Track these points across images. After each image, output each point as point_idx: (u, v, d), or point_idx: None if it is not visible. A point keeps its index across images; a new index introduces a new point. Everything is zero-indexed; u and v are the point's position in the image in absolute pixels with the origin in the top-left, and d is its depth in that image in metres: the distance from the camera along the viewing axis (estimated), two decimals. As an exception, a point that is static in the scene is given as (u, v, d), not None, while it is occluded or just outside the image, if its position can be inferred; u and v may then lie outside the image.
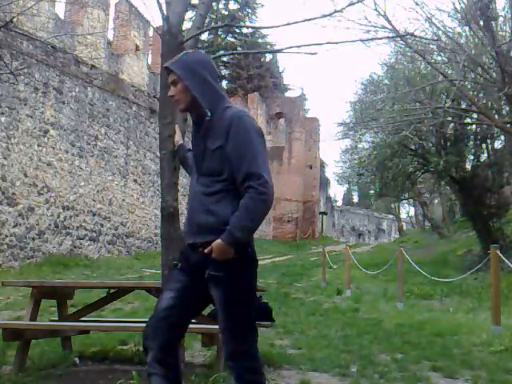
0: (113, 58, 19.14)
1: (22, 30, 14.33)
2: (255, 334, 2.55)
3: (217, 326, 4.24)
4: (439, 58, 12.16)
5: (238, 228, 2.41)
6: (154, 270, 13.95)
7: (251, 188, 2.41)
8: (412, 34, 8.21)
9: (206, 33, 36.14)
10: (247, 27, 36.32)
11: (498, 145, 15.65)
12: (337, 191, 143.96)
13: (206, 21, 5.95)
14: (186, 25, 4.47)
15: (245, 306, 2.52)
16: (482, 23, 10.40)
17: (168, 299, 2.56)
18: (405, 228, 44.54)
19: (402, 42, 11.31)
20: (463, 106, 12.92)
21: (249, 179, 2.41)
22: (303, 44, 3.52)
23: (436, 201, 31.60)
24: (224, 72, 39.60)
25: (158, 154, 3.61)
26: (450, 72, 11.93)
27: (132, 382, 3.32)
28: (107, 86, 18.40)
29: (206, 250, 2.43)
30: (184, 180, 22.76)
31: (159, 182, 3.66)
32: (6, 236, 14.25)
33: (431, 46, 11.42)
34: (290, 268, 16.46)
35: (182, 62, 2.59)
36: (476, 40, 10.89)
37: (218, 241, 2.40)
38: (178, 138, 3.29)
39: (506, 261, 7.27)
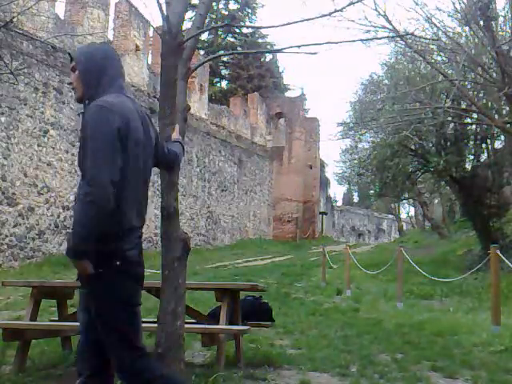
0: (113, 58, 19.14)
1: (22, 30, 14.31)
2: (131, 352, 2.33)
3: (217, 326, 4.25)
4: (439, 58, 12.16)
5: (72, 236, 2.17)
6: (154, 270, 13.92)
7: (80, 189, 2.23)
8: (412, 34, 8.20)
9: (206, 33, 36.15)
10: (247, 27, 36.43)
11: (498, 145, 15.65)
12: (337, 191, 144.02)
13: (206, 21, 5.95)
14: (186, 25, 4.47)
15: (113, 323, 2.29)
16: (482, 23, 10.39)
17: (81, 322, 2.43)
18: (405, 228, 44.56)
19: (402, 42, 11.31)
20: (463, 106, 12.92)
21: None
22: (303, 44, 3.53)
23: (436, 201, 31.58)
24: (224, 72, 39.60)
25: (158, 153, 3.60)
26: (450, 72, 11.93)
27: (132, 381, 3.31)
28: (107, 86, 18.39)
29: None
30: (184, 180, 22.78)
31: (159, 182, 3.66)
32: (6, 236, 14.24)
33: (431, 46, 11.42)
34: (290, 268, 16.45)
35: (83, 49, 2.50)
36: (476, 40, 10.88)
37: None
38: (174, 135, 3.08)
39: (506, 261, 7.26)
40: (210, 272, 14.21)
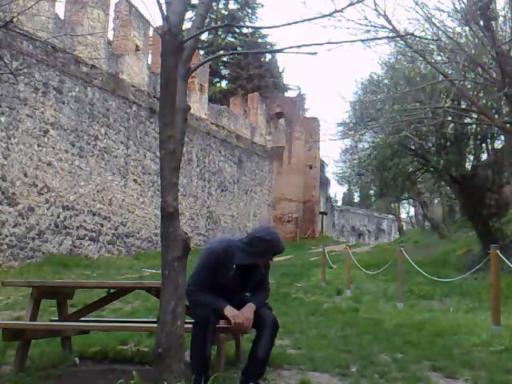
0: (113, 58, 19.14)
1: (22, 30, 14.33)
2: None
3: (217, 326, 4.25)
4: (439, 58, 12.14)
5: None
6: (154, 270, 13.95)
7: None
8: (412, 34, 8.21)
9: (206, 33, 36.15)
10: (247, 27, 36.32)
11: (497, 145, 15.65)
12: (337, 191, 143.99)
13: (206, 21, 5.95)
14: (186, 25, 4.47)
15: None
16: (482, 23, 10.38)
17: None
18: (405, 228, 44.55)
19: (402, 42, 11.30)
20: (463, 106, 12.90)
21: None
22: (303, 44, 3.52)
23: (436, 201, 31.59)
24: (224, 72, 39.60)
25: (158, 153, 3.61)
26: (449, 72, 11.91)
27: (132, 381, 3.31)
28: (107, 86, 18.40)
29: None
30: (184, 180, 22.78)
31: (159, 182, 3.66)
32: (6, 236, 14.25)
33: (431, 46, 11.40)
34: (290, 268, 16.45)
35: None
36: (476, 40, 10.87)
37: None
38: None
39: (506, 261, 7.25)
40: (210, 272, 14.16)
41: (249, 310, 3.65)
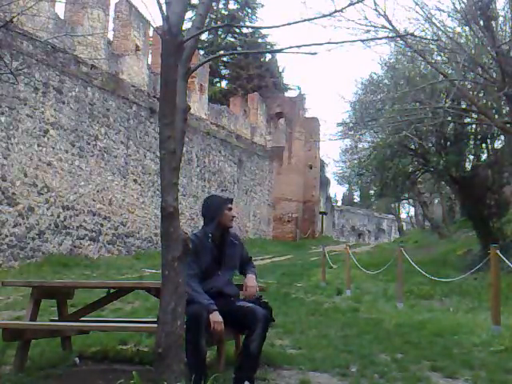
0: (113, 58, 19.14)
1: (22, 30, 14.33)
2: None
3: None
4: (439, 58, 12.15)
5: None
6: (154, 270, 13.95)
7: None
8: (412, 34, 8.20)
9: (206, 33, 36.14)
10: (247, 27, 36.28)
11: (497, 145, 15.64)
12: (337, 191, 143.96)
13: (206, 21, 5.94)
14: (186, 25, 4.47)
15: None
16: (482, 23, 10.38)
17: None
18: (405, 228, 44.58)
19: (402, 42, 11.30)
20: (463, 106, 12.91)
21: None
22: (303, 44, 3.52)
23: (436, 201, 31.60)
24: (224, 72, 39.60)
25: (158, 153, 3.61)
26: (449, 72, 11.91)
27: (132, 381, 3.31)
28: (107, 86, 18.39)
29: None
30: (184, 180, 22.79)
31: (159, 182, 3.66)
32: (6, 236, 14.24)
33: (431, 45, 11.40)
34: (290, 268, 16.45)
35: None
36: (476, 40, 10.88)
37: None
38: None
39: (506, 261, 7.25)
40: (210, 272, 14.14)
41: (251, 279, 4.09)
